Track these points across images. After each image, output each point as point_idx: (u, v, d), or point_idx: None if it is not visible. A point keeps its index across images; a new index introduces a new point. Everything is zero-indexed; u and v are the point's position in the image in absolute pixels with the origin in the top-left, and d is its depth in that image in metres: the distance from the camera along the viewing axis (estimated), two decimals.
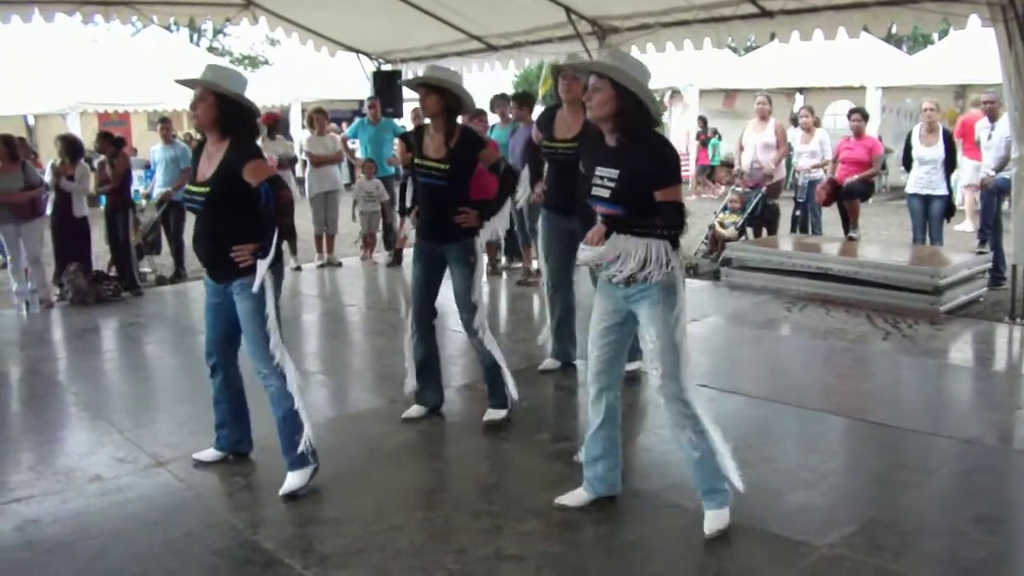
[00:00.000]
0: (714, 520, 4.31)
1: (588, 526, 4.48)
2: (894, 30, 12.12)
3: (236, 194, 4.74)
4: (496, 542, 4.29)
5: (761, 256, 10.17)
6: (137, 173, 12.48)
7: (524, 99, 10.88)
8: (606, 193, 4.22)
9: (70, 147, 10.67)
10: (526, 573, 4.01)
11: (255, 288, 4.72)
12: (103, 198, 11.25)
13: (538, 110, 10.58)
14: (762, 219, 11.56)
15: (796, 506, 4.68)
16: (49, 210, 10.43)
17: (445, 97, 5.57)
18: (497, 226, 5.99)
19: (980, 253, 10.02)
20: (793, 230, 12.22)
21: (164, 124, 12.19)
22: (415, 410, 6.06)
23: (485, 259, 6.01)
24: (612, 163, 4.23)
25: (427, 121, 5.79)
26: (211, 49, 35.63)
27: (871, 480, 5.01)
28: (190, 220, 11.89)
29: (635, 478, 5.05)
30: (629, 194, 4.17)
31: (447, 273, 5.92)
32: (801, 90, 22.44)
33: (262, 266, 4.69)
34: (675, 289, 4.23)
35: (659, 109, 4.44)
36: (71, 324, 9.45)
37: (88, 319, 9.58)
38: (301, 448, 4.85)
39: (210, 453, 5.35)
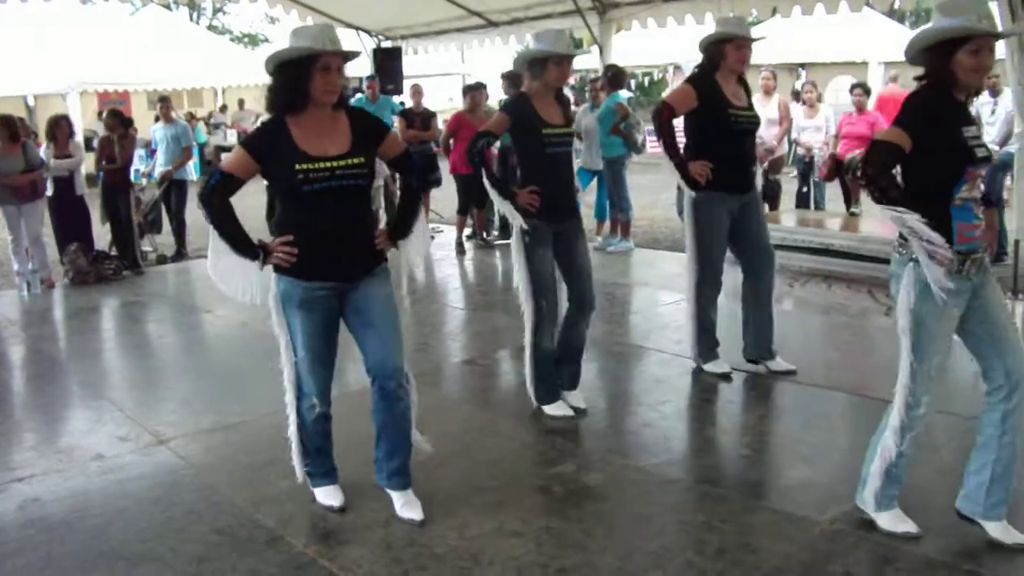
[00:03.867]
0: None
1: (590, 501, 4.48)
2: (897, 5, 12.03)
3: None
4: (498, 517, 4.29)
5: None
6: (137, 152, 12.44)
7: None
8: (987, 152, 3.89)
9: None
10: (527, 548, 4.00)
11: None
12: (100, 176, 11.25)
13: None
14: (764, 195, 11.50)
15: (798, 481, 4.68)
16: (49, 191, 10.40)
17: None
18: None
19: None
20: (799, 206, 12.20)
21: (164, 103, 12.15)
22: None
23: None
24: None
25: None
26: (211, 27, 35.51)
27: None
28: (192, 199, 11.95)
29: (638, 453, 5.09)
30: None
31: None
32: (803, 66, 22.36)
33: (412, 246, 4.43)
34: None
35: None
36: (72, 304, 9.44)
37: (89, 298, 9.58)
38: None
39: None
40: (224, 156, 4.21)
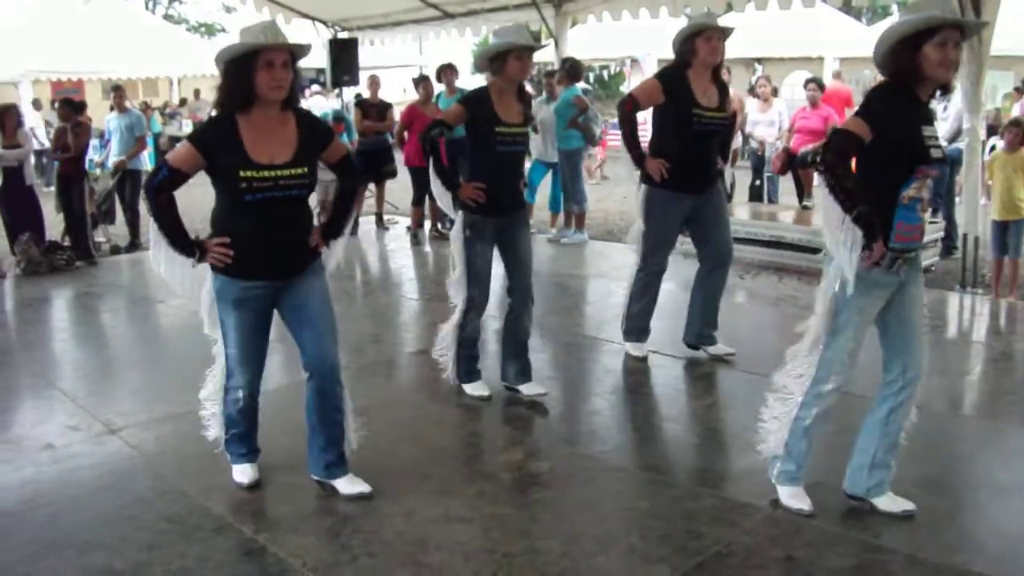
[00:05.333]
0: None
1: (536, 489, 4.54)
2: (855, 2, 12.19)
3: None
4: (445, 504, 4.33)
5: None
6: (92, 142, 12.34)
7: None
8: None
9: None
10: (474, 534, 4.06)
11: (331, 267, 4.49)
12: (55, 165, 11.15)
13: None
14: None
15: (743, 469, 4.75)
16: None
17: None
18: None
19: (932, 223, 10.14)
20: (752, 199, 12.33)
21: (117, 92, 12.05)
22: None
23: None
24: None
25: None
26: (167, 17, 35.30)
27: (818, 444, 5.04)
28: None
29: (585, 442, 5.15)
30: None
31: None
32: (760, 60, 22.54)
33: (340, 245, 4.54)
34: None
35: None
36: (23, 294, 9.35)
37: (41, 289, 9.49)
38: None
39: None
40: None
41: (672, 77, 5.95)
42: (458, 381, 5.81)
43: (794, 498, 4.23)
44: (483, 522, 4.17)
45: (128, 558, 3.96)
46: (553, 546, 3.95)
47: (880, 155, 3.79)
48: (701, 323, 6.44)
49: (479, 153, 5.43)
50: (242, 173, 3.95)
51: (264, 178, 3.98)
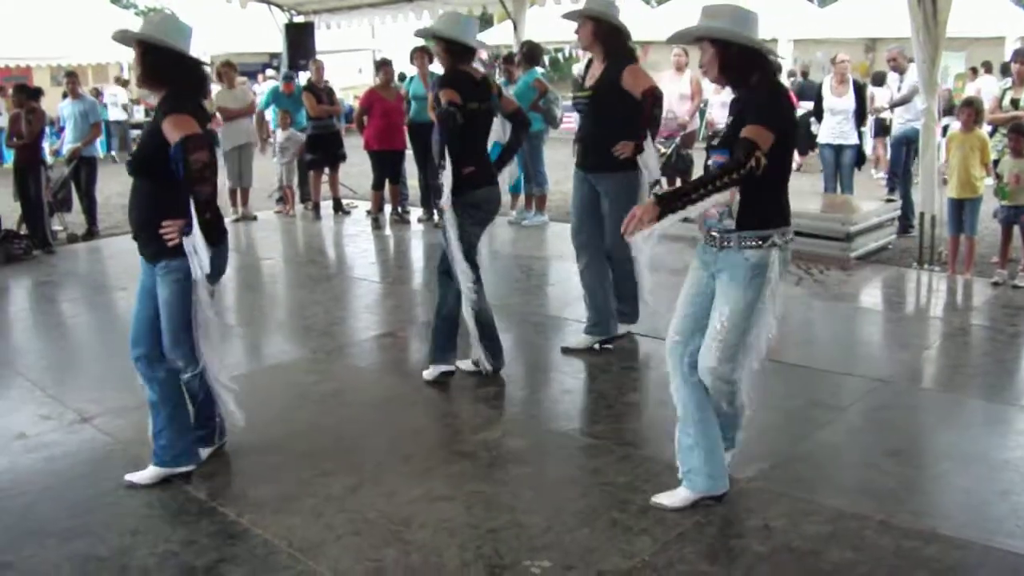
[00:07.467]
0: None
1: (515, 466, 4.60)
2: None
3: (159, 155, 4.14)
4: (426, 483, 4.39)
5: None
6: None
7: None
8: (716, 141, 4.03)
9: None
10: (457, 511, 4.11)
11: (195, 273, 4.17)
12: (8, 155, 10.98)
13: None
14: (675, 169, 11.71)
15: None
16: None
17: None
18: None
19: (889, 201, 10.29)
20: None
21: (70, 78, 11.88)
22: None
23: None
24: (730, 112, 4.07)
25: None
26: (115, 0, 34.72)
27: (787, 418, 5.18)
28: (102, 176, 11.72)
29: (559, 419, 5.26)
30: (732, 139, 3.80)
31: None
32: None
33: (192, 244, 4.09)
34: (763, 270, 3.88)
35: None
36: None
37: None
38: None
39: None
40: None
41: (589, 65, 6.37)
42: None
43: None
44: (465, 499, 4.22)
45: (112, 544, 3.96)
46: (537, 521, 4.02)
47: None
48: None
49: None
50: None
51: None
